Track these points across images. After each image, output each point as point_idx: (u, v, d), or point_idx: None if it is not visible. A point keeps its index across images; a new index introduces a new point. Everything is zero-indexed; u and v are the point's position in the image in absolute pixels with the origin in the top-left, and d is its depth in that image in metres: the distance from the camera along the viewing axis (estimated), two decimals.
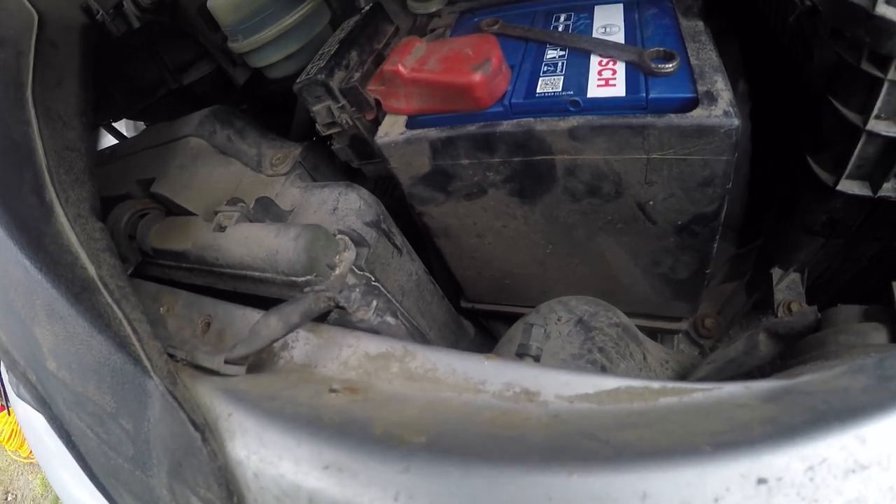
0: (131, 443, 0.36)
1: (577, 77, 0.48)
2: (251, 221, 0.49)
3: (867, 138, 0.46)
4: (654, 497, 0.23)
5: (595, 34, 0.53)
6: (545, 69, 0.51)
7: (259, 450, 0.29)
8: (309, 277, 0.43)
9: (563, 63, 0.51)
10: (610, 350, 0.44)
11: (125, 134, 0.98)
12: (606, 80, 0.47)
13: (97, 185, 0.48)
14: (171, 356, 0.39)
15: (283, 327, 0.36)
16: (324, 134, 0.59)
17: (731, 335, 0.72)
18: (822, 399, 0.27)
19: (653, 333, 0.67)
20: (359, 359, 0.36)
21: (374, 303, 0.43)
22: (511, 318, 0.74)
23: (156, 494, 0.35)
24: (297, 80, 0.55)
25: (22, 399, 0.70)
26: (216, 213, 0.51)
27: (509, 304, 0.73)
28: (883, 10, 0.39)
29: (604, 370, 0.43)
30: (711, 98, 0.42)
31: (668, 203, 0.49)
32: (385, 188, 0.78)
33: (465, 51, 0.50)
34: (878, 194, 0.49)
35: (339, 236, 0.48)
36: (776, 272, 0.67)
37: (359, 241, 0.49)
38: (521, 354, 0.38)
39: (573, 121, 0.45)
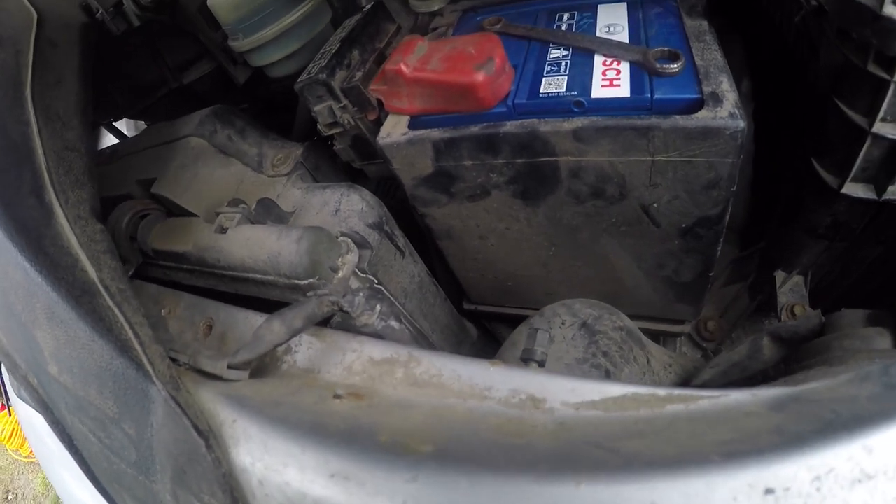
0: (134, 448, 0.36)
1: (581, 77, 0.48)
2: (253, 223, 0.49)
3: (872, 141, 0.46)
4: None
5: (599, 33, 0.52)
6: (549, 69, 0.50)
7: (264, 457, 0.29)
8: (311, 280, 0.43)
9: (566, 63, 0.50)
10: (614, 354, 0.44)
11: (126, 133, 0.97)
12: (611, 81, 0.47)
13: (97, 185, 0.47)
14: (173, 360, 0.38)
15: (286, 332, 0.36)
16: (325, 134, 0.58)
17: (733, 338, 0.72)
18: (830, 408, 0.27)
19: (655, 336, 0.67)
20: (363, 364, 0.36)
21: (378, 307, 0.43)
22: (514, 320, 0.74)
23: (159, 500, 0.35)
24: (299, 80, 0.55)
25: (23, 400, 0.70)
26: (217, 214, 0.50)
27: (512, 306, 0.73)
28: (890, 10, 0.38)
29: (608, 375, 0.42)
30: (717, 99, 0.42)
31: (672, 205, 0.48)
32: (387, 189, 0.78)
33: (468, 50, 0.49)
34: (883, 197, 0.49)
35: (341, 238, 0.48)
36: (779, 275, 0.67)
37: (361, 244, 0.49)
38: (526, 360, 0.38)
39: (577, 122, 0.45)
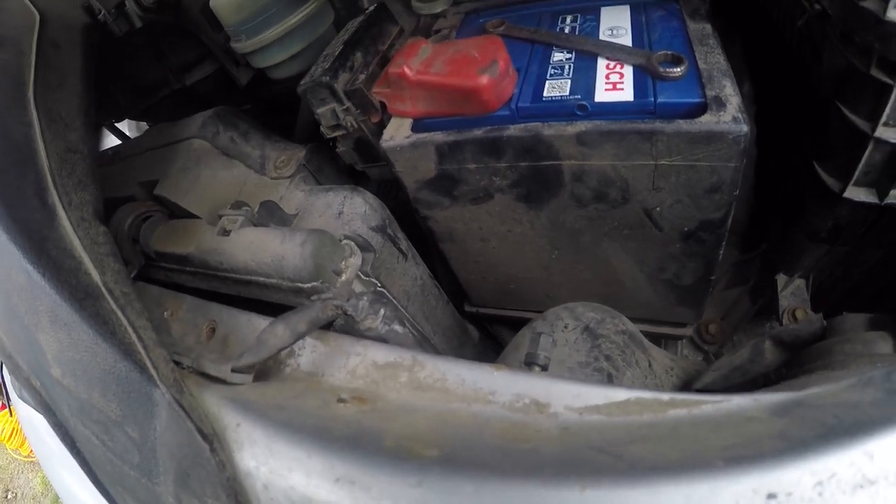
0: (137, 451, 0.36)
1: (585, 81, 0.48)
2: (256, 225, 0.49)
3: (875, 145, 0.46)
4: None
5: (602, 36, 0.52)
6: (552, 72, 0.50)
7: (268, 461, 0.29)
8: (315, 283, 0.43)
9: (570, 66, 0.50)
10: (616, 358, 0.44)
11: (127, 134, 0.97)
12: (614, 84, 0.47)
13: (100, 187, 0.47)
14: (176, 363, 0.39)
15: (290, 336, 0.36)
16: (328, 137, 0.58)
17: (734, 341, 0.72)
18: (832, 413, 0.27)
19: (656, 339, 0.67)
20: (366, 368, 0.36)
21: (382, 311, 0.43)
22: (515, 323, 0.74)
23: (162, 502, 0.35)
24: (302, 82, 0.55)
25: (24, 401, 0.70)
26: (220, 216, 0.50)
27: (513, 308, 0.73)
28: (893, 15, 0.38)
29: (610, 378, 0.43)
30: (720, 103, 0.42)
31: (674, 209, 0.48)
32: (388, 190, 0.78)
33: (472, 53, 0.49)
34: (885, 201, 0.49)
35: (344, 241, 0.48)
36: (781, 278, 0.67)
37: (364, 247, 0.49)
38: (530, 364, 0.38)
39: (581, 126, 0.45)
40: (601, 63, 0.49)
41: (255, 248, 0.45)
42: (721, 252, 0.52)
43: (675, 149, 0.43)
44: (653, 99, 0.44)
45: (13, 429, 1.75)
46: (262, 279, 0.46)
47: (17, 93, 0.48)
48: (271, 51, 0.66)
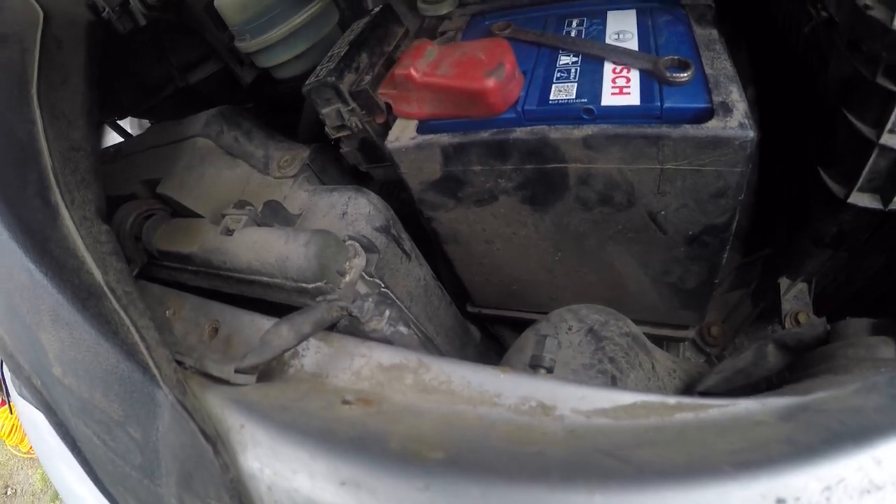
0: (139, 451, 0.36)
1: (591, 84, 0.48)
2: (259, 225, 0.49)
3: (880, 152, 0.46)
4: None
5: (608, 40, 0.52)
6: (558, 75, 0.50)
7: (272, 463, 0.29)
8: (319, 284, 0.43)
9: (576, 69, 0.50)
10: (620, 360, 0.44)
11: (129, 131, 0.97)
12: (621, 89, 0.47)
13: (102, 185, 0.47)
14: (179, 363, 0.38)
15: (294, 337, 0.36)
16: (333, 137, 0.58)
17: (736, 343, 0.72)
18: (837, 418, 0.27)
19: (659, 341, 0.67)
20: (371, 369, 0.36)
21: (388, 312, 0.43)
22: (517, 324, 0.74)
23: (164, 503, 0.35)
24: (307, 83, 0.55)
25: (24, 399, 0.69)
26: (223, 215, 0.50)
27: (516, 309, 0.73)
28: None
29: (614, 380, 0.42)
30: (727, 109, 0.42)
31: (679, 213, 0.48)
32: (391, 191, 0.78)
33: (478, 55, 0.49)
34: (889, 207, 0.49)
35: (348, 242, 0.48)
36: (783, 282, 0.67)
37: (368, 247, 0.49)
38: (535, 366, 0.38)
39: (587, 129, 0.45)
40: (608, 67, 0.49)
41: (259, 248, 0.45)
42: (725, 256, 0.52)
43: (682, 153, 0.43)
44: (659, 103, 0.44)
45: (13, 425, 1.74)
46: (265, 279, 0.46)
47: (20, 90, 0.48)
48: (276, 50, 0.66)
